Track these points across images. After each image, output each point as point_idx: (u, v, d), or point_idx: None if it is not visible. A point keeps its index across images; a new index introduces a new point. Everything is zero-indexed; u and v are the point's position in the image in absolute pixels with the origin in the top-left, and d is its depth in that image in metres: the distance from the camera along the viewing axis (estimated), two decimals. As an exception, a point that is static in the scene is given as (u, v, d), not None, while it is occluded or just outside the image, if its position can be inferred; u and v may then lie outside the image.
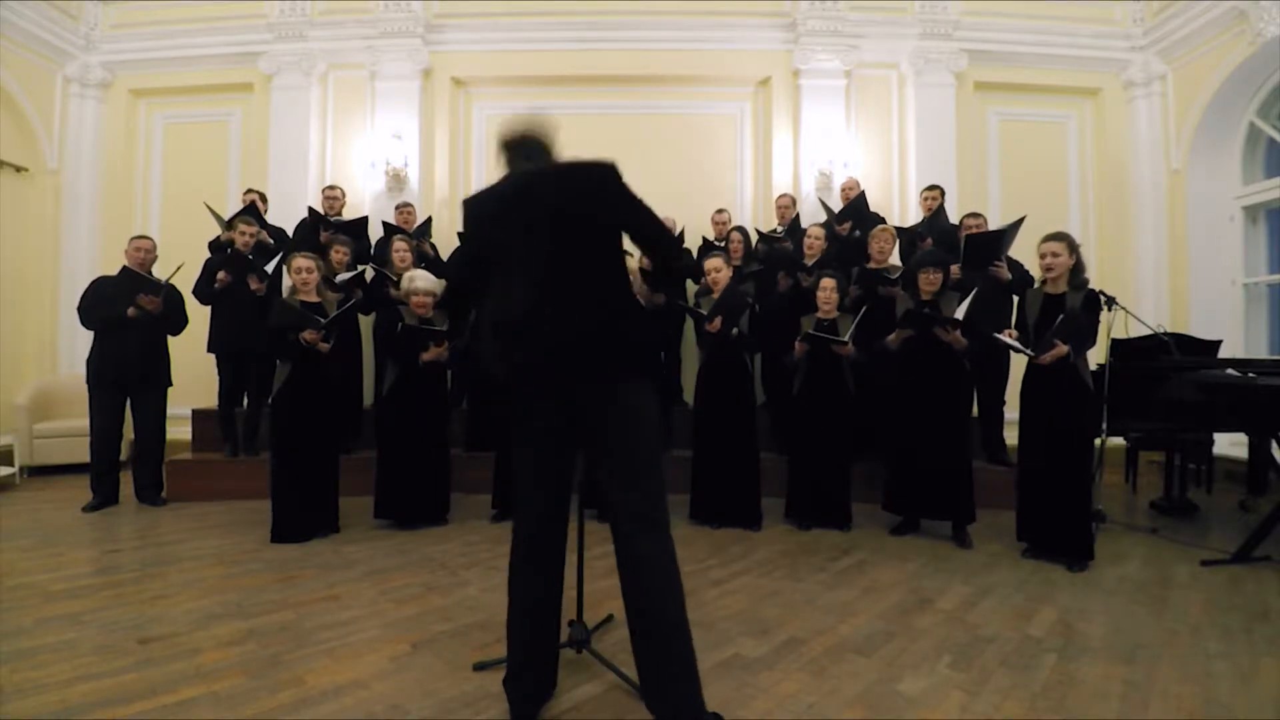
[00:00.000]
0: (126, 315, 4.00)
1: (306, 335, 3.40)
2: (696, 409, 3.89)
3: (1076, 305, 3.15)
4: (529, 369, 1.74)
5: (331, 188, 5.06)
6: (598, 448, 1.74)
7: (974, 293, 3.52)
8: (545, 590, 1.81)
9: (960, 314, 3.43)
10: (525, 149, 1.87)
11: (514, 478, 1.85)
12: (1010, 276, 3.98)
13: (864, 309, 3.74)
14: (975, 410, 4.48)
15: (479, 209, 1.86)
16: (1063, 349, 3.10)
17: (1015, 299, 4.11)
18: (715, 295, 3.75)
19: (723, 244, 4.82)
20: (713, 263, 3.81)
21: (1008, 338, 3.26)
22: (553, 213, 1.74)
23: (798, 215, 5.02)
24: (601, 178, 1.75)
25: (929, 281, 3.54)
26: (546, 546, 1.80)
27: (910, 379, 3.59)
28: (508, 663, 1.83)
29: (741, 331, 3.70)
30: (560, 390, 1.72)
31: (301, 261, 3.57)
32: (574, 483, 1.89)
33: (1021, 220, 3.99)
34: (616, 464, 1.72)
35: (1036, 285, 3.44)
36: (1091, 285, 3.29)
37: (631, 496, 1.70)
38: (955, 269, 4.04)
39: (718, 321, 3.62)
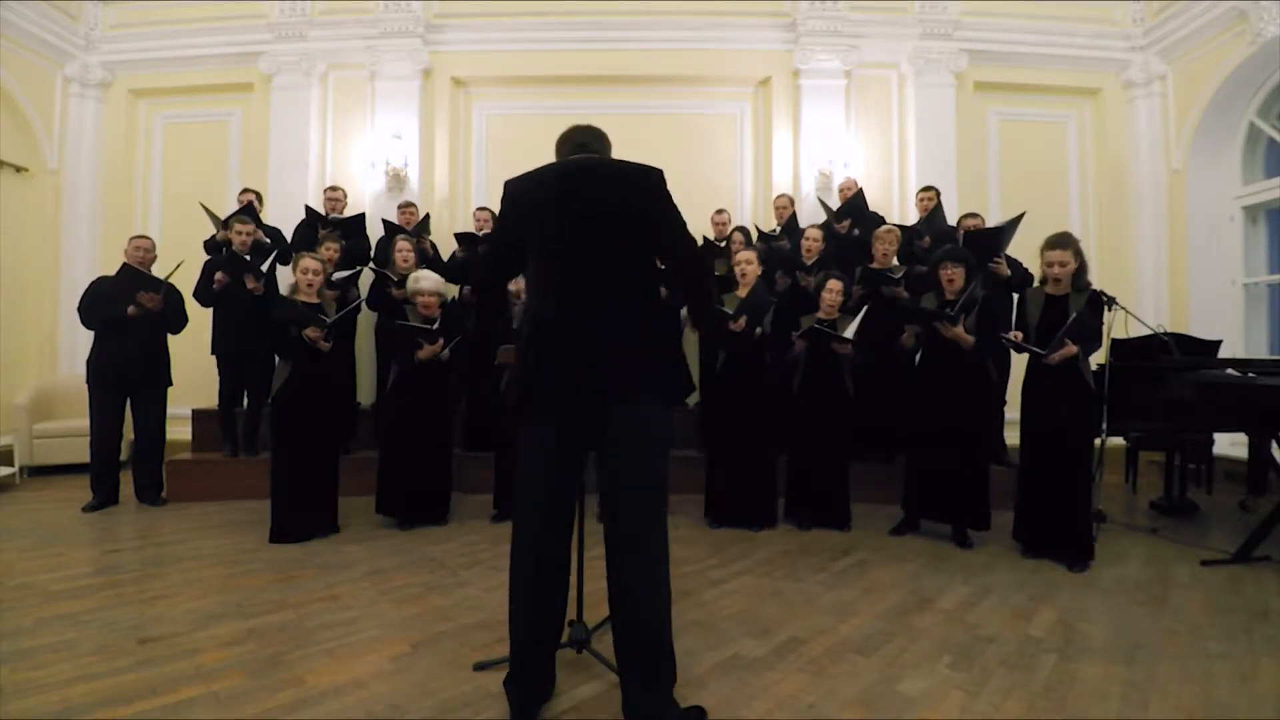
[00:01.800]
0: (127, 314, 4.01)
1: (310, 333, 3.40)
2: (715, 408, 3.88)
3: (1081, 307, 3.15)
4: (552, 371, 1.71)
5: (333, 188, 5.06)
6: (605, 459, 1.73)
7: (972, 285, 3.50)
8: (549, 592, 1.79)
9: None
10: (578, 142, 1.88)
11: (518, 479, 1.82)
12: (1010, 273, 3.97)
13: (864, 309, 3.73)
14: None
15: (521, 189, 1.80)
16: (1072, 349, 3.10)
17: (1015, 296, 4.13)
18: (740, 289, 3.74)
19: (723, 244, 4.82)
20: (745, 255, 3.76)
21: (1015, 339, 3.26)
22: (599, 206, 1.72)
23: (794, 214, 5.02)
24: (653, 181, 1.77)
25: (949, 278, 3.49)
26: (551, 549, 1.78)
27: (933, 381, 3.56)
28: (509, 663, 1.82)
29: (765, 331, 3.68)
30: (579, 398, 1.70)
31: (310, 262, 3.57)
32: (579, 484, 1.87)
33: (1020, 217, 3.98)
34: (622, 480, 1.72)
35: (1036, 285, 3.43)
36: (1092, 285, 3.29)
37: (632, 515, 1.71)
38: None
39: (742, 321, 3.58)
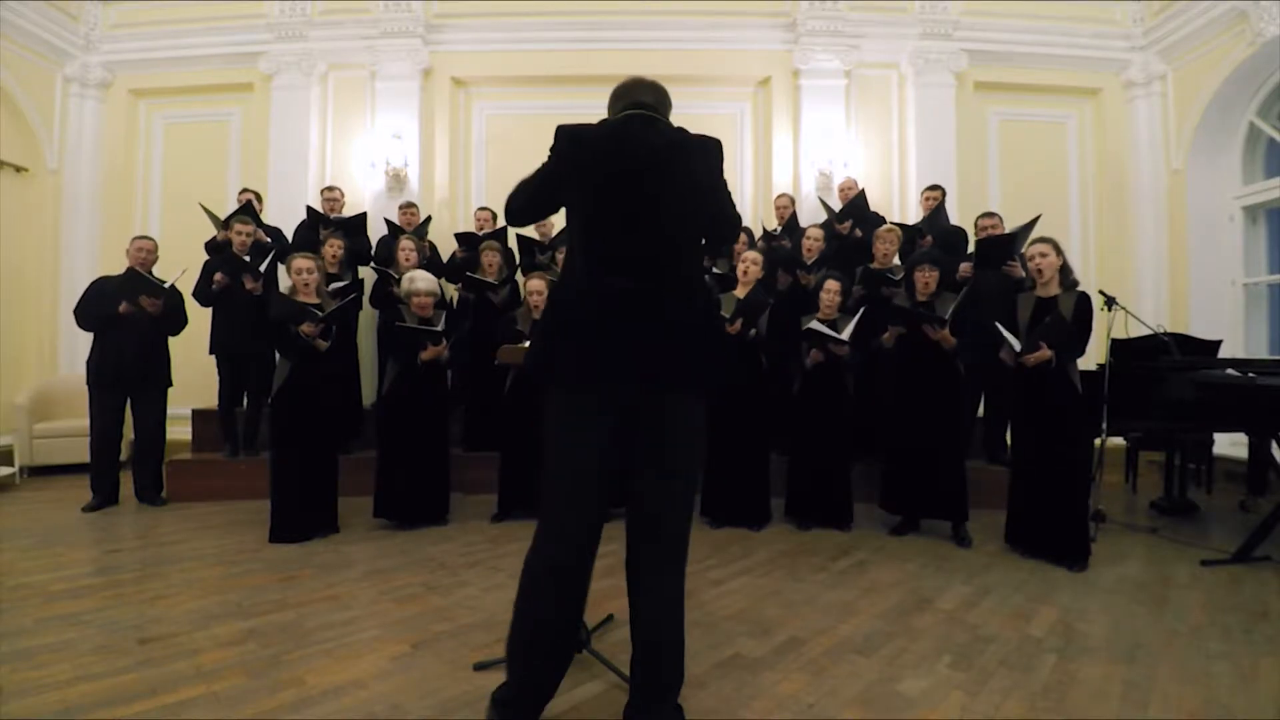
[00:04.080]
0: (119, 312, 3.99)
1: (305, 328, 3.40)
2: (709, 409, 3.87)
3: (1069, 306, 3.16)
4: (601, 349, 1.52)
5: (330, 188, 5.06)
6: (646, 448, 1.58)
7: (964, 291, 3.53)
8: (568, 610, 1.63)
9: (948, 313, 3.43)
10: (635, 100, 1.75)
11: (547, 484, 1.62)
12: (1024, 274, 3.98)
13: (862, 310, 3.74)
14: (981, 410, 4.48)
15: (577, 137, 1.66)
16: (1046, 353, 3.11)
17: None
18: (740, 289, 3.74)
19: (723, 244, 4.81)
20: (752, 255, 3.77)
21: (1001, 327, 3.28)
22: (656, 169, 1.59)
23: (794, 214, 5.02)
24: (715, 148, 1.68)
25: (924, 280, 3.56)
26: (578, 565, 1.61)
27: (905, 379, 3.61)
28: (508, 678, 1.66)
29: (760, 333, 3.70)
30: (631, 381, 1.53)
31: (302, 262, 3.56)
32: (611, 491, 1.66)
33: (1036, 220, 3.98)
34: (662, 486, 1.58)
35: (1028, 287, 3.44)
36: (1092, 285, 3.30)
37: (666, 525, 1.60)
38: (967, 267, 4.04)
39: (738, 324, 3.60)
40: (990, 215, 4.37)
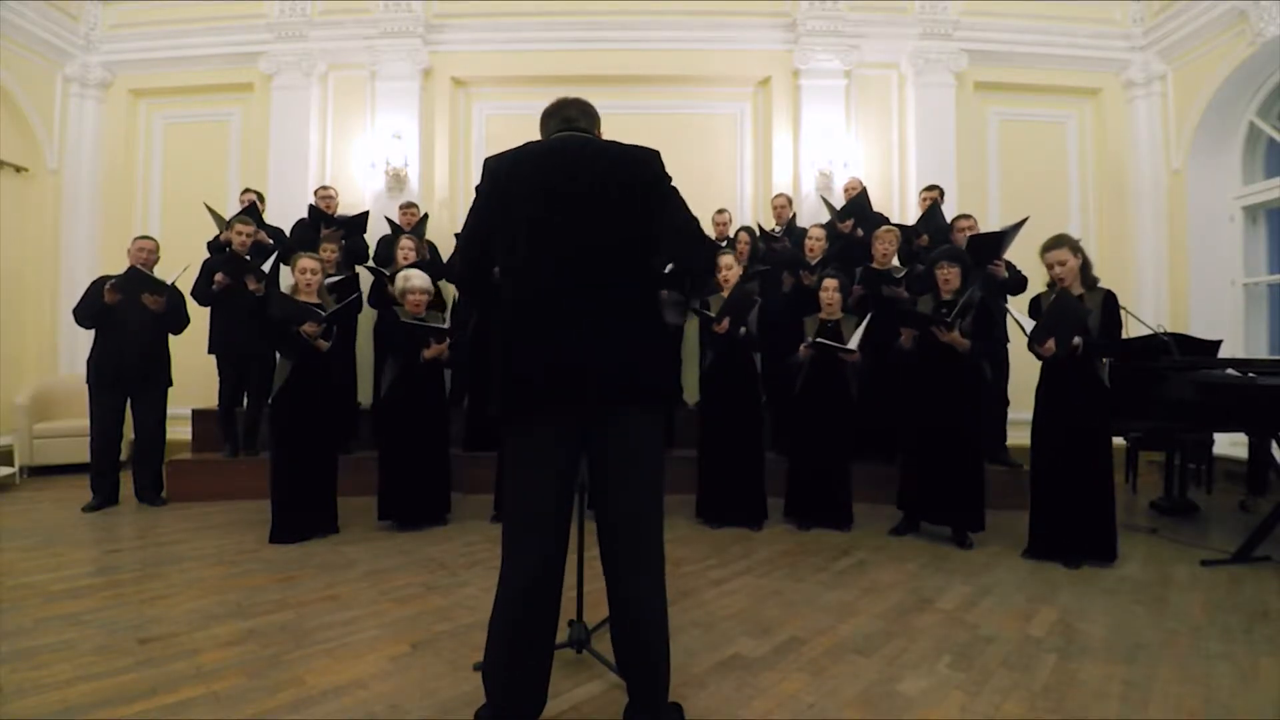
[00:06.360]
0: (106, 301, 3.97)
1: (307, 328, 3.40)
2: (703, 409, 3.89)
3: (1095, 305, 3.14)
4: (544, 373, 1.53)
5: (325, 188, 5.05)
6: (604, 469, 1.60)
7: (969, 292, 3.51)
8: (542, 629, 1.60)
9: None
10: (564, 117, 1.75)
11: (507, 496, 1.66)
12: (1007, 275, 3.99)
13: (870, 315, 3.73)
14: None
15: (502, 167, 1.66)
16: (1051, 346, 3.09)
17: (1009, 298, 4.11)
18: (724, 294, 3.75)
19: (724, 244, 4.82)
20: (724, 259, 3.80)
21: (1013, 313, 3.27)
22: (587, 188, 1.59)
23: (793, 214, 5.01)
24: (648, 158, 1.68)
25: (945, 279, 3.51)
26: (547, 584, 1.58)
27: (919, 380, 3.57)
28: (487, 698, 1.66)
29: (749, 331, 3.70)
30: (576, 404, 1.53)
31: (307, 262, 3.57)
32: (574, 504, 1.70)
33: (1023, 222, 3.99)
34: (624, 492, 1.59)
35: (1044, 288, 3.42)
36: (1099, 281, 3.28)
37: (630, 535, 1.60)
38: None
39: (725, 323, 3.61)
40: (966, 217, 4.39)
